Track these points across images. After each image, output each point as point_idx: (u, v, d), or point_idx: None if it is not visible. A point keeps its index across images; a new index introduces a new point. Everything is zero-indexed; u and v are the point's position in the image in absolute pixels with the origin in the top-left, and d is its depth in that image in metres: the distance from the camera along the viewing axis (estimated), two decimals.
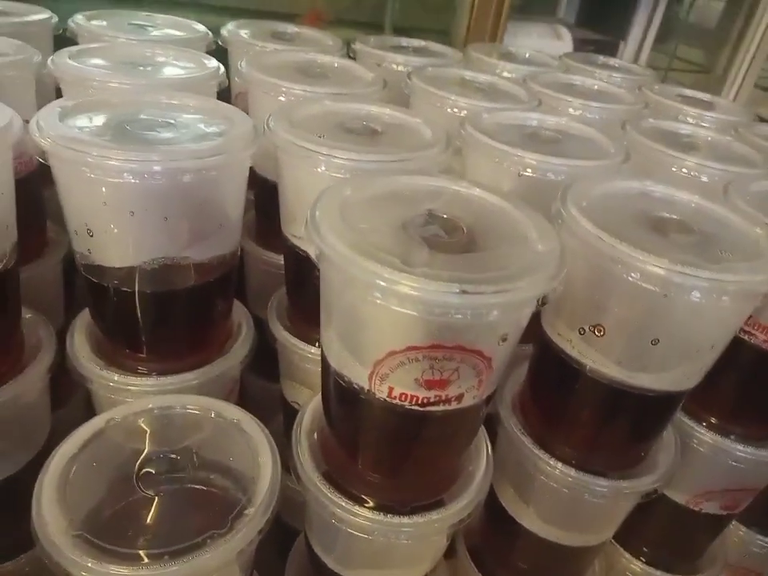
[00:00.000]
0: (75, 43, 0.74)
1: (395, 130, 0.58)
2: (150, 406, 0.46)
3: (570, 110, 0.79)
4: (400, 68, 0.86)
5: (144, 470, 0.41)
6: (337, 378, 0.42)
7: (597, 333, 0.47)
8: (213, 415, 0.46)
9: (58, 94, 0.61)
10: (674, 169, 0.64)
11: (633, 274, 0.41)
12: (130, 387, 0.52)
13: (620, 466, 0.54)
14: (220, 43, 0.84)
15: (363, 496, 0.47)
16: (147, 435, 0.44)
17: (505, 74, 0.93)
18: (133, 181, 0.43)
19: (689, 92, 1.00)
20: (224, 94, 0.69)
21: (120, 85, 0.58)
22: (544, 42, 1.59)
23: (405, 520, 0.45)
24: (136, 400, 0.47)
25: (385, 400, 0.40)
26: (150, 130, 0.48)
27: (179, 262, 0.49)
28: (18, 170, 0.57)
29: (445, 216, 0.42)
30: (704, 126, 0.81)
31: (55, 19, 0.76)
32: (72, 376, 0.53)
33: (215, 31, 0.85)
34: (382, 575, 0.53)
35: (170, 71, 0.65)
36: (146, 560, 0.36)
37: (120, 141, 0.45)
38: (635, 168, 0.62)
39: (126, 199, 0.44)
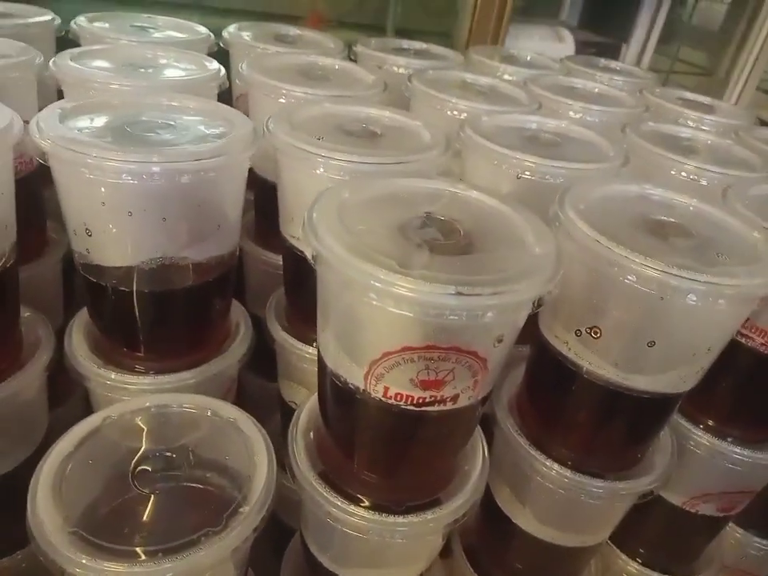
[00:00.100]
0: (77, 45, 0.74)
1: (394, 133, 0.59)
2: (147, 404, 0.46)
3: (571, 113, 0.79)
4: (401, 70, 0.86)
5: (140, 468, 0.42)
6: (333, 378, 0.42)
7: (593, 335, 0.47)
8: (209, 414, 0.46)
9: (60, 96, 0.61)
10: (673, 172, 0.64)
11: (629, 277, 0.42)
12: (127, 386, 0.52)
13: (616, 467, 0.55)
14: (221, 45, 0.84)
15: (359, 495, 0.47)
16: (144, 433, 0.44)
17: (506, 76, 0.93)
18: (131, 181, 0.43)
19: (690, 95, 1.00)
20: (225, 96, 0.69)
21: (121, 86, 0.59)
22: (546, 44, 1.59)
23: (400, 519, 0.45)
24: (133, 398, 0.48)
25: (380, 400, 0.40)
26: (150, 132, 0.48)
27: (177, 262, 0.49)
28: (19, 169, 0.58)
29: (442, 218, 0.42)
30: (704, 130, 0.81)
31: (58, 21, 0.77)
32: (70, 374, 0.54)
33: (218, 33, 0.85)
34: (377, 574, 0.53)
35: (170, 73, 0.66)
36: (141, 557, 0.36)
37: (120, 142, 0.45)
38: (635, 171, 0.62)
39: (125, 200, 0.45)
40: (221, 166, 0.46)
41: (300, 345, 0.60)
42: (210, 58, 0.71)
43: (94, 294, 0.52)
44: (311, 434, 0.51)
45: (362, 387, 0.40)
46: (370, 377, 0.39)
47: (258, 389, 0.77)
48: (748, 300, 0.43)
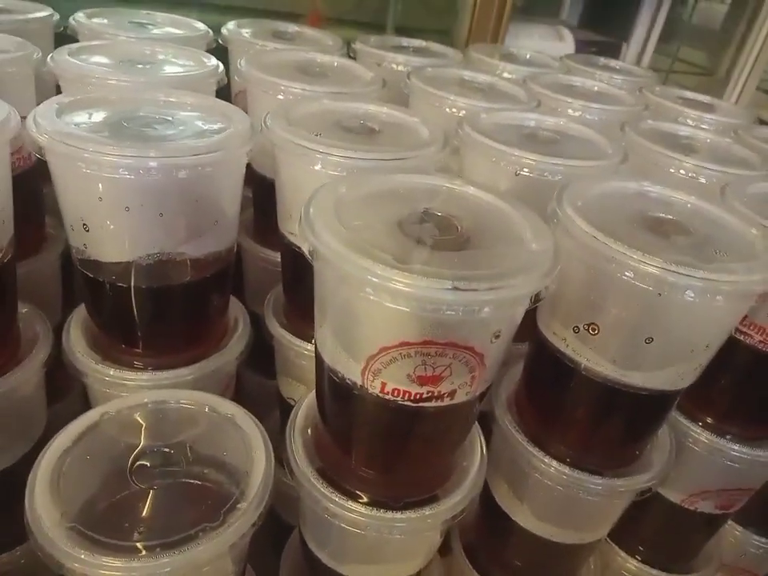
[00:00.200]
0: (76, 41, 0.74)
1: (392, 129, 0.59)
2: (145, 400, 0.46)
3: (570, 111, 0.79)
4: (400, 68, 0.86)
5: (138, 464, 0.42)
6: (330, 374, 0.42)
7: (591, 331, 0.47)
8: (207, 410, 0.46)
9: (58, 92, 0.61)
10: (672, 170, 0.64)
11: (627, 273, 0.42)
12: (125, 382, 0.52)
13: (615, 464, 0.55)
14: (220, 42, 0.84)
15: (357, 491, 0.47)
16: (141, 429, 0.44)
17: (505, 74, 0.93)
18: (128, 176, 0.43)
19: (689, 94, 1.00)
20: (224, 93, 0.69)
21: (119, 82, 0.59)
22: (546, 43, 1.59)
23: (398, 515, 0.45)
24: (131, 394, 0.48)
25: (377, 395, 0.40)
26: (148, 127, 0.48)
27: (175, 258, 0.49)
28: (17, 165, 0.58)
29: (440, 214, 0.42)
30: (703, 128, 0.81)
31: (56, 17, 0.77)
32: (68, 370, 0.54)
33: (217, 31, 0.85)
34: (375, 570, 0.53)
35: (169, 69, 0.66)
36: (139, 552, 0.36)
37: (117, 137, 0.45)
38: (633, 169, 0.62)
39: (122, 195, 0.45)
40: (218, 161, 0.46)
41: (298, 341, 0.60)
42: (209, 55, 0.71)
43: (92, 289, 0.52)
44: (309, 430, 0.51)
45: (359, 383, 0.40)
46: (367, 372, 0.39)
47: (257, 386, 0.77)
48: (746, 296, 0.43)
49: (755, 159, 0.70)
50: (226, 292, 0.59)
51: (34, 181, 0.63)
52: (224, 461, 0.43)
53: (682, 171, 0.64)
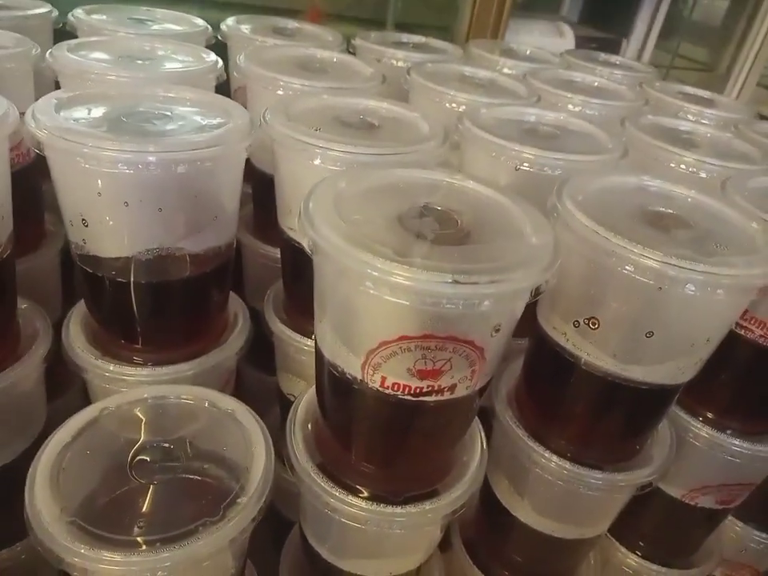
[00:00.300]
0: (75, 37, 0.74)
1: (392, 124, 0.59)
2: (145, 395, 0.46)
3: (570, 106, 0.79)
4: (400, 64, 0.86)
5: (138, 459, 0.42)
6: (330, 369, 0.42)
7: (591, 326, 0.47)
8: (207, 405, 0.46)
9: (57, 88, 0.61)
10: (672, 165, 0.64)
11: (627, 267, 0.42)
12: (125, 377, 0.52)
13: (615, 458, 0.54)
14: (219, 38, 0.84)
15: (357, 486, 0.47)
16: (141, 424, 0.44)
17: (505, 70, 0.93)
18: (127, 171, 0.43)
19: (690, 89, 0.99)
20: (223, 90, 0.69)
21: (118, 78, 0.59)
22: (546, 39, 1.58)
23: (398, 510, 0.45)
24: (131, 390, 0.48)
25: (378, 390, 0.40)
26: (147, 122, 0.48)
27: (174, 253, 0.49)
28: (16, 162, 0.58)
29: (440, 209, 0.42)
30: (704, 123, 0.80)
31: (55, 13, 0.76)
32: (68, 366, 0.53)
33: (217, 27, 0.85)
34: (375, 565, 0.53)
35: (168, 65, 0.66)
36: (138, 546, 0.36)
37: (116, 132, 0.45)
38: (634, 164, 0.62)
39: (121, 190, 0.45)
40: (217, 155, 0.46)
41: (298, 337, 0.60)
42: (208, 51, 0.71)
43: (91, 285, 0.52)
44: (309, 425, 0.51)
45: (359, 377, 0.40)
46: (367, 367, 0.39)
47: (257, 382, 0.77)
48: (746, 290, 0.43)
49: (756, 154, 0.70)
50: (225, 287, 0.59)
51: (33, 177, 0.63)
52: (224, 456, 0.43)
53: (682, 166, 0.64)
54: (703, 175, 0.63)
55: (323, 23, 1.08)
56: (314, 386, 0.50)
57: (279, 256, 0.64)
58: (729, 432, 0.59)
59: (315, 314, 0.43)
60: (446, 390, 0.40)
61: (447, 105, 0.70)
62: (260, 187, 0.74)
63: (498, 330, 0.39)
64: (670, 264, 0.40)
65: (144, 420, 0.45)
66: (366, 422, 0.44)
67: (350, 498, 0.45)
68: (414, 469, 0.48)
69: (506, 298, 0.37)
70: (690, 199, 0.51)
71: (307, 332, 0.60)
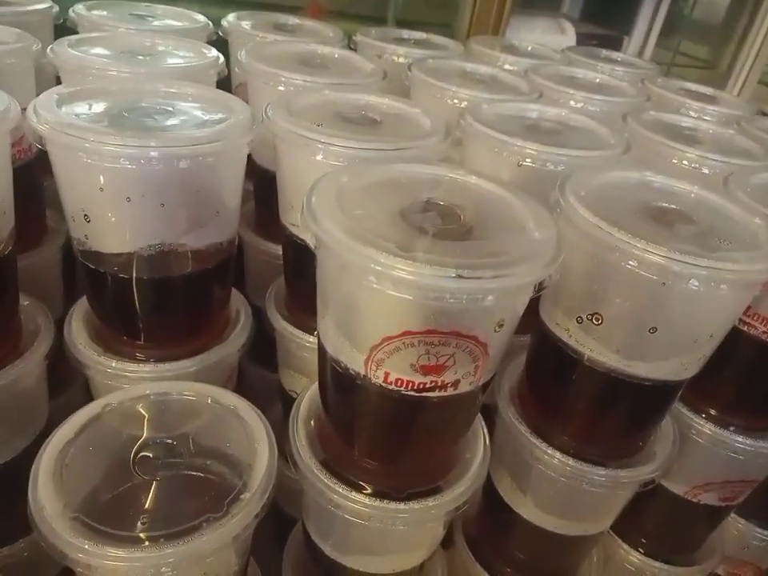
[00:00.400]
0: (76, 33, 0.74)
1: (394, 120, 0.58)
2: (147, 392, 0.46)
3: (572, 102, 0.79)
4: (401, 60, 0.86)
5: (141, 455, 0.42)
6: (333, 364, 0.42)
7: (595, 321, 0.47)
8: (210, 401, 0.46)
9: (58, 83, 0.61)
10: (674, 161, 0.64)
11: (631, 263, 0.41)
12: (127, 373, 0.52)
13: (618, 455, 0.54)
14: (220, 34, 0.84)
15: (360, 482, 0.47)
16: (144, 421, 0.44)
17: (506, 66, 0.93)
18: (129, 166, 0.43)
19: (692, 86, 0.99)
20: (225, 86, 0.69)
21: (119, 73, 0.59)
22: (547, 36, 1.58)
23: (401, 506, 0.45)
24: (133, 386, 0.48)
25: (381, 385, 0.40)
26: (148, 118, 0.48)
27: (176, 249, 0.49)
28: (17, 157, 0.57)
29: (443, 204, 0.42)
30: (706, 120, 0.80)
31: (56, 9, 0.76)
32: (70, 362, 0.53)
33: (218, 23, 0.85)
34: (378, 562, 0.53)
35: (169, 60, 0.65)
36: (142, 542, 0.36)
37: (117, 127, 0.45)
38: (636, 160, 0.62)
39: (123, 185, 0.44)
40: (219, 151, 0.46)
41: (300, 333, 0.60)
42: (209, 46, 0.71)
43: (93, 281, 0.52)
44: (312, 422, 0.51)
45: (362, 373, 0.40)
46: (370, 362, 0.39)
47: (259, 379, 0.77)
48: (749, 285, 0.43)
49: (758, 150, 0.70)
50: (227, 284, 0.59)
51: (34, 173, 0.63)
52: (227, 452, 0.43)
53: (685, 162, 0.64)
54: (706, 171, 0.63)
55: (324, 20, 1.07)
56: (317, 383, 0.50)
57: (281, 253, 0.64)
58: (732, 429, 0.59)
59: (318, 310, 0.43)
60: (449, 385, 0.40)
61: (449, 101, 0.70)
62: (261, 184, 0.74)
63: (501, 326, 0.39)
64: (674, 259, 0.40)
65: (147, 416, 0.45)
66: (369, 417, 0.44)
67: (353, 495, 0.45)
68: (417, 465, 0.48)
69: (510, 293, 0.37)
70: (692, 195, 0.51)
71: (309, 328, 0.60)
